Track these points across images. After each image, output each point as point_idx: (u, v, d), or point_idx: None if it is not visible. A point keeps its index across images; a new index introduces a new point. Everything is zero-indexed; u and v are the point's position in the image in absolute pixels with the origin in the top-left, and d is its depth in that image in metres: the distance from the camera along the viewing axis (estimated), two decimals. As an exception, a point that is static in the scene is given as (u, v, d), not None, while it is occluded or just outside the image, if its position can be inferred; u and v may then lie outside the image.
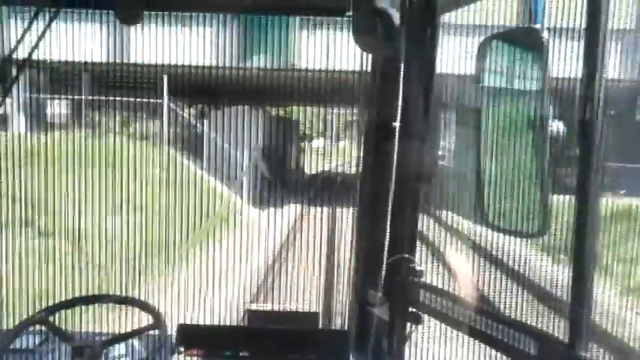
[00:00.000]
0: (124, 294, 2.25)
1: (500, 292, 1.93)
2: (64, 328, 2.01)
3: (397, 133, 1.96)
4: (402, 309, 2.04)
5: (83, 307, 2.14)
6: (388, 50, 1.89)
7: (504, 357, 1.68)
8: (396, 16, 1.77)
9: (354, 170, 2.32)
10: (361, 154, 2.19)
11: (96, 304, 2.16)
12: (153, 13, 2.03)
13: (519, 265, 1.67)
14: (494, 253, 1.89)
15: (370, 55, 2.05)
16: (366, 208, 2.18)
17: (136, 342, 2.07)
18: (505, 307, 1.80)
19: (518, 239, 1.67)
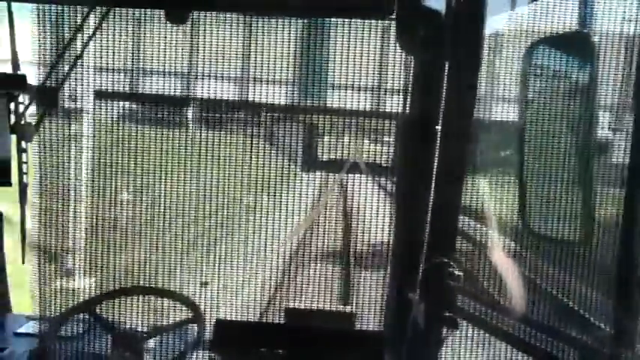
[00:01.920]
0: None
1: (539, 300, 1.90)
2: (108, 318, 2.08)
3: (439, 137, 1.95)
4: (438, 313, 2.03)
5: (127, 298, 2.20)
6: (432, 52, 1.88)
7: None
8: (441, 18, 1.77)
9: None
10: (401, 156, 2.19)
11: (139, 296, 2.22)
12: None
13: (562, 274, 1.64)
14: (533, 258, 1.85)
15: (413, 58, 2.04)
16: (404, 209, 2.18)
17: (174, 335, 2.12)
18: (544, 316, 1.77)
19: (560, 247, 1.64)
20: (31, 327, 2.25)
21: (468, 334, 2.00)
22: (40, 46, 2.09)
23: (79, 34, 2.08)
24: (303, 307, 2.22)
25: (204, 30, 2.09)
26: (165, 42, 2.15)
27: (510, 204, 1.87)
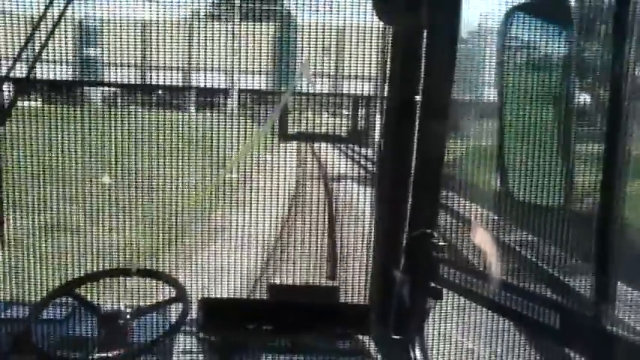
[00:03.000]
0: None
1: (521, 267, 1.92)
2: (90, 299, 2.06)
3: (419, 107, 1.94)
4: (422, 284, 2.04)
5: (109, 280, 2.18)
6: (410, 22, 1.86)
7: (526, 330, 1.68)
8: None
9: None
10: (382, 129, 2.18)
11: (121, 277, 2.20)
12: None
13: (543, 239, 1.65)
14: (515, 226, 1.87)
15: (391, 28, 2.02)
16: (387, 183, 2.18)
17: (159, 315, 2.11)
18: (527, 282, 1.79)
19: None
20: (12, 312, 2.23)
21: (453, 304, 2.02)
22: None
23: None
24: (285, 283, 2.22)
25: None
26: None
27: (490, 172, 1.88)
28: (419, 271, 2.03)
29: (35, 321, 1.98)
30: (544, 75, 1.66)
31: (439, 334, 2.11)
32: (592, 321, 1.39)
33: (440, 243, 2.01)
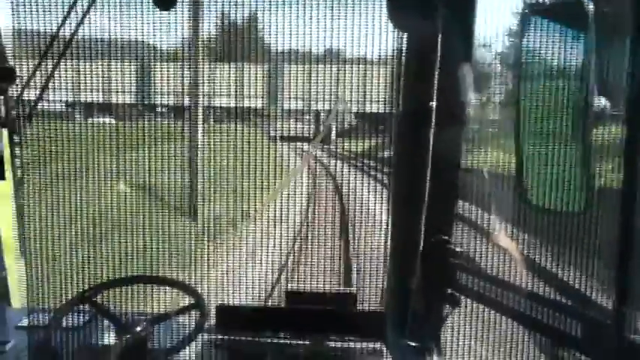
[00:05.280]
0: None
1: (540, 274, 1.90)
2: (111, 307, 2.07)
3: (434, 113, 1.93)
4: (439, 291, 2.03)
5: (128, 287, 2.20)
6: (425, 28, 1.86)
7: (545, 338, 1.66)
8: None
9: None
10: (397, 135, 2.17)
11: (139, 285, 2.21)
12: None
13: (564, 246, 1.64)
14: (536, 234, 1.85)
15: (406, 35, 2.02)
16: (402, 189, 2.17)
17: (177, 322, 2.12)
18: (547, 289, 1.77)
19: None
20: (32, 320, 2.25)
21: (470, 311, 2.01)
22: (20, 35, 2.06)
23: (64, 25, 2.05)
24: (302, 290, 2.22)
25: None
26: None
27: (507, 178, 1.86)
28: (435, 278, 2.02)
29: (55, 328, 2.00)
30: (562, 81, 1.65)
31: (456, 341, 2.09)
32: (614, 330, 1.37)
33: (456, 249, 1.99)
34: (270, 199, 2.28)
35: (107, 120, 2.55)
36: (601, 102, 1.48)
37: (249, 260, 2.48)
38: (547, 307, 1.60)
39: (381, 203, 2.31)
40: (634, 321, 1.34)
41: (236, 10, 2.05)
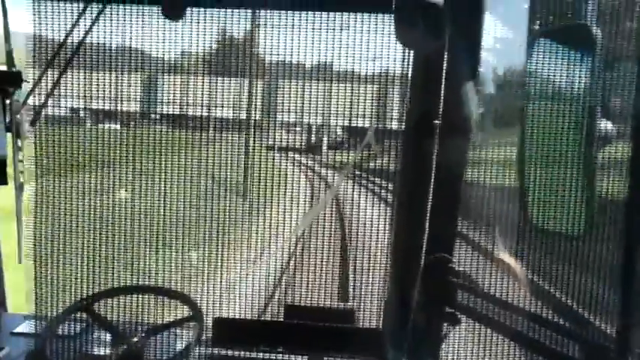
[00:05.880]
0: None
1: (541, 294, 1.89)
2: (106, 316, 2.06)
3: (438, 131, 1.93)
4: (439, 309, 2.02)
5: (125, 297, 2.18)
6: (432, 46, 1.87)
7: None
8: (440, 11, 1.75)
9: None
10: (400, 152, 2.17)
11: (136, 295, 2.20)
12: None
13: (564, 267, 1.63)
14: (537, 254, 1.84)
15: (412, 52, 2.03)
16: (404, 206, 2.17)
17: (174, 333, 2.10)
18: (547, 310, 1.76)
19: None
20: (28, 327, 2.23)
21: (470, 330, 1.99)
22: (35, 41, 2.06)
23: (76, 30, 2.06)
24: (300, 304, 2.21)
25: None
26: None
27: (510, 197, 1.86)
28: (435, 296, 2.01)
29: (51, 336, 1.99)
30: (567, 100, 1.65)
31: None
32: (616, 352, 1.36)
33: (457, 268, 1.98)
34: (298, 229, 2.30)
35: (113, 126, 2.55)
36: (605, 125, 1.48)
37: (249, 272, 2.46)
38: (547, 329, 1.58)
39: (384, 223, 2.31)
40: (636, 345, 1.32)
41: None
